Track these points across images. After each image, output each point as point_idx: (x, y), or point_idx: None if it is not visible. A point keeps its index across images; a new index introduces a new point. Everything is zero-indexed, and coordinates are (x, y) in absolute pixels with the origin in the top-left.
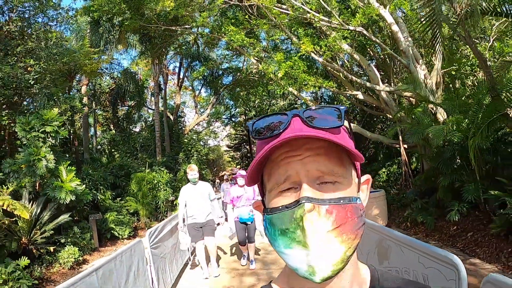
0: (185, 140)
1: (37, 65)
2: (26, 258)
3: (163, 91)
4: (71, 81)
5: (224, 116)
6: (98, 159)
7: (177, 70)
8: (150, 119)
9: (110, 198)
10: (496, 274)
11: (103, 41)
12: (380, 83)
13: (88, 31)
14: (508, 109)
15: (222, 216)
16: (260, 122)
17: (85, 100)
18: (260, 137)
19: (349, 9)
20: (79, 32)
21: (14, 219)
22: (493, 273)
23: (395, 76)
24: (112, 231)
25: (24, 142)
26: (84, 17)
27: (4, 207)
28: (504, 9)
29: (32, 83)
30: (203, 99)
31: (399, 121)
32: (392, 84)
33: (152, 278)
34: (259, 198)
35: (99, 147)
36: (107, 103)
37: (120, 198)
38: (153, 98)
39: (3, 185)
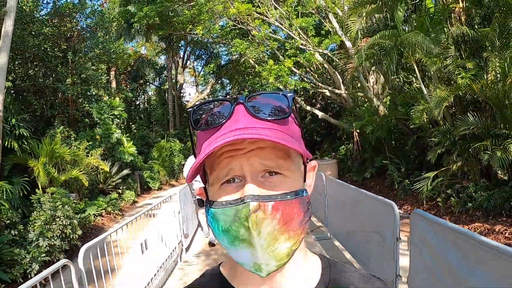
0: None
1: (105, 67)
2: (116, 193)
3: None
4: (108, 72)
5: (219, 94)
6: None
7: (181, 53)
8: (151, 93)
9: (141, 161)
10: (420, 210)
11: (135, 39)
12: (342, 86)
13: (115, 27)
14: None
15: None
16: (200, 110)
17: (113, 83)
18: (201, 128)
19: (323, 31)
20: (110, 31)
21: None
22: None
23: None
24: (148, 184)
25: (98, 122)
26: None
27: (94, 163)
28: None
29: (104, 81)
30: (201, 76)
31: (353, 113)
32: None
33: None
34: None
35: None
36: (125, 83)
37: (151, 161)
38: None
39: (93, 149)
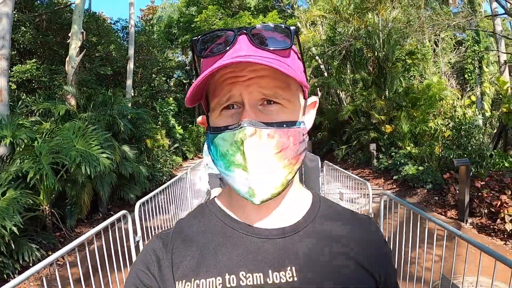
0: None
1: (164, 78)
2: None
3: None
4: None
5: None
6: None
7: None
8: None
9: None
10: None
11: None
12: (318, 92)
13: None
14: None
15: None
16: (205, 39)
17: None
18: (204, 55)
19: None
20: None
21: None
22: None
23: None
24: (185, 154)
25: (160, 113)
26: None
27: (161, 139)
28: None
29: (166, 88)
30: None
31: (322, 111)
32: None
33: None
34: None
35: None
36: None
37: (186, 140)
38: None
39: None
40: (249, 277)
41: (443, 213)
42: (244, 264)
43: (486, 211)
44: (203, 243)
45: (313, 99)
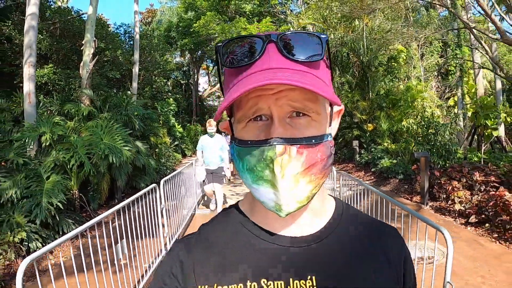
0: (207, 105)
1: (165, 80)
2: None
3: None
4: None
5: None
6: None
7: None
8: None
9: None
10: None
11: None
12: None
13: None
14: None
15: (229, 168)
16: (230, 46)
17: None
18: (229, 66)
19: None
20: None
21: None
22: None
23: None
24: (184, 151)
25: (161, 113)
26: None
27: (164, 137)
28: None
29: (167, 90)
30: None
31: None
32: None
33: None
34: None
35: None
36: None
37: (185, 138)
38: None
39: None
40: (270, 284)
41: (409, 198)
42: (265, 272)
43: (444, 196)
44: (226, 249)
45: (339, 107)
